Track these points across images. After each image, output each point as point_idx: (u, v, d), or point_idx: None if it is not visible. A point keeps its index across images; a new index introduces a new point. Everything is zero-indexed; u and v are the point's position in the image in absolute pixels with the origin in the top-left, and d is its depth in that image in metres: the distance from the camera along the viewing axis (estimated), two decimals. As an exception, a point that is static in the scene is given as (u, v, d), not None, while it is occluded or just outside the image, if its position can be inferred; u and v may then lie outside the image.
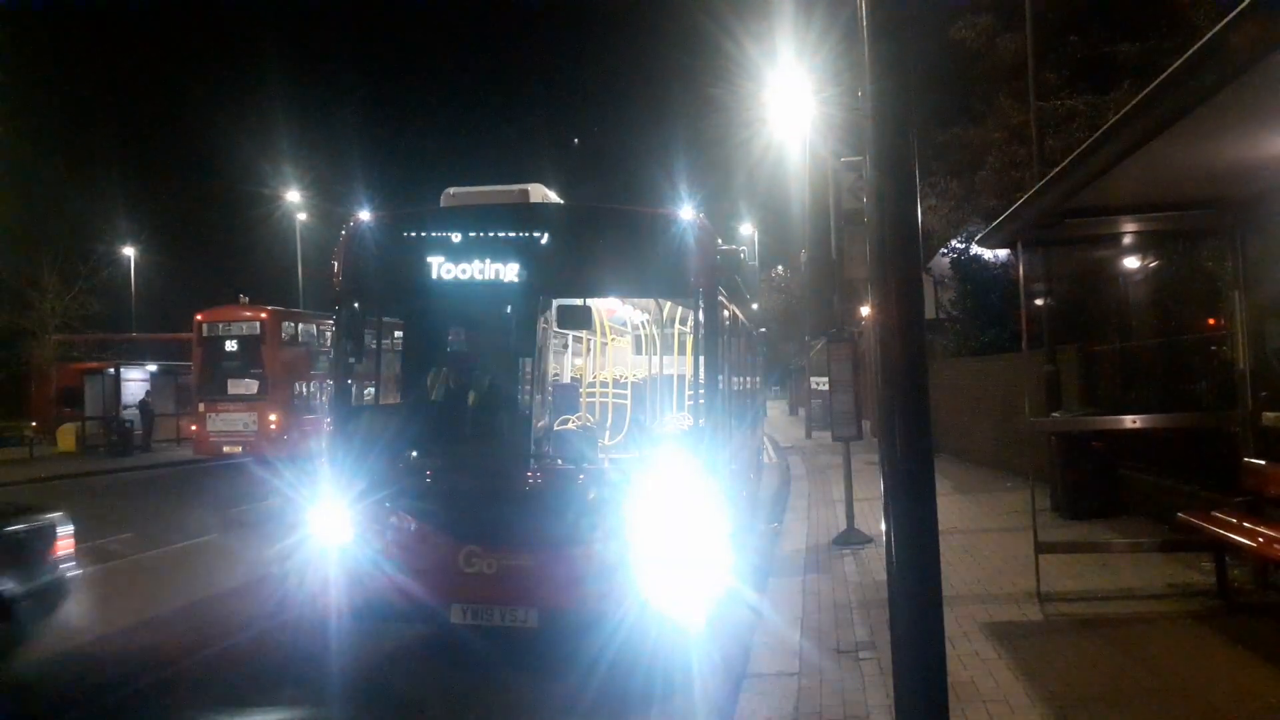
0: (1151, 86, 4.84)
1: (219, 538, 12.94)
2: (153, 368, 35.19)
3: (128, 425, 31.28)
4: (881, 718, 5.35)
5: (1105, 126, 5.67)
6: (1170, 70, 4.58)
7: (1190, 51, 4.35)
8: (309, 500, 7.10)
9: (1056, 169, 6.70)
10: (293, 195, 45.02)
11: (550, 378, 9.07)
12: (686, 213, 6.79)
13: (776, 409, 49.19)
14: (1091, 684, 5.76)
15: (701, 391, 6.87)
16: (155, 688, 7.01)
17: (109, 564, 11.29)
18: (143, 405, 32.12)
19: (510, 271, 6.74)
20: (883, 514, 3.39)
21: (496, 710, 6.34)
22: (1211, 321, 10.24)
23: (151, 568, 11.10)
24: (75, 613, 8.87)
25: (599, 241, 7.04)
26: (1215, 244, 9.00)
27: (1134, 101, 5.13)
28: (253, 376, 25.04)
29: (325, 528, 6.87)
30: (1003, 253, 16.87)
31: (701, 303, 6.80)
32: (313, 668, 6.97)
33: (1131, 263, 11.83)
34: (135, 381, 33.72)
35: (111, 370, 33.45)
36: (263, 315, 26.01)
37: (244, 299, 36.92)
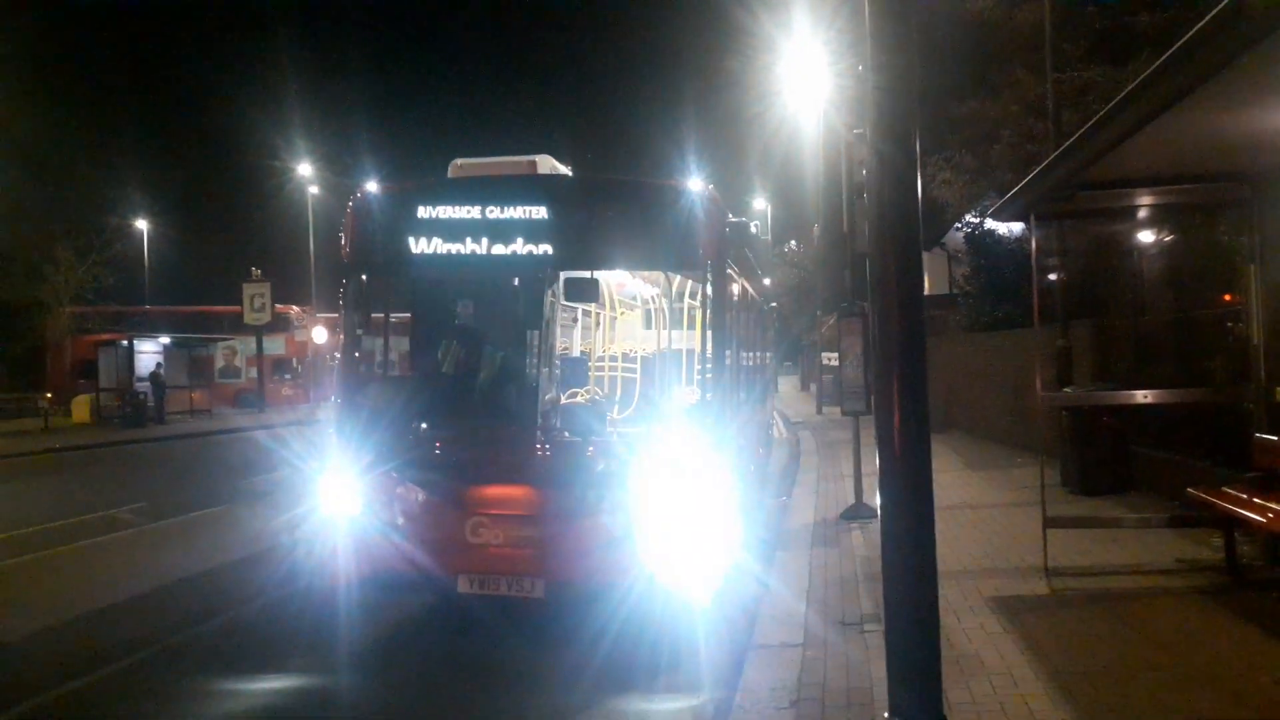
0: (1166, 55, 4.76)
1: (230, 508, 13.03)
2: (166, 340, 35.37)
3: (141, 397, 31.52)
4: (884, 689, 5.34)
5: (1120, 96, 5.58)
6: (1185, 38, 4.49)
7: (1206, 19, 4.26)
8: (318, 471, 7.13)
9: (1070, 140, 6.61)
10: (304, 168, 44.97)
11: (559, 351, 9.05)
12: (695, 184, 6.74)
13: (788, 384, 49.14)
14: (1097, 658, 5.75)
15: (710, 365, 6.84)
16: (164, 655, 7.08)
17: (121, 532, 11.40)
18: (154, 377, 32.33)
19: (518, 243, 6.70)
20: (878, 487, 3.38)
21: (504, 679, 6.38)
22: (1227, 297, 10.14)
23: (163, 537, 11.19)
24: (87, 581, 8.99)
25: (607, 213, 6.99)
26: (1232, 217, 8.90)
27: (1149, 71, 5.05)
28: None
29: (334, 499, 6.90)
30: (1017, 227, 16.75)
31: (710, 275, 6.76)
32: (321, 636, 7.04)
33: (1146, 237, 11.71)
34: (148, 354, 33.93)
35: (125, 342, 33.64)
36: None
37: (256, 273, 37.07)
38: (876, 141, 3.38)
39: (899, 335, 3.31)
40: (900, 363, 3.32)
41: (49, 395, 34.16)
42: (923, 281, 3.41)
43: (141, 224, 51.74)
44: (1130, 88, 5.38)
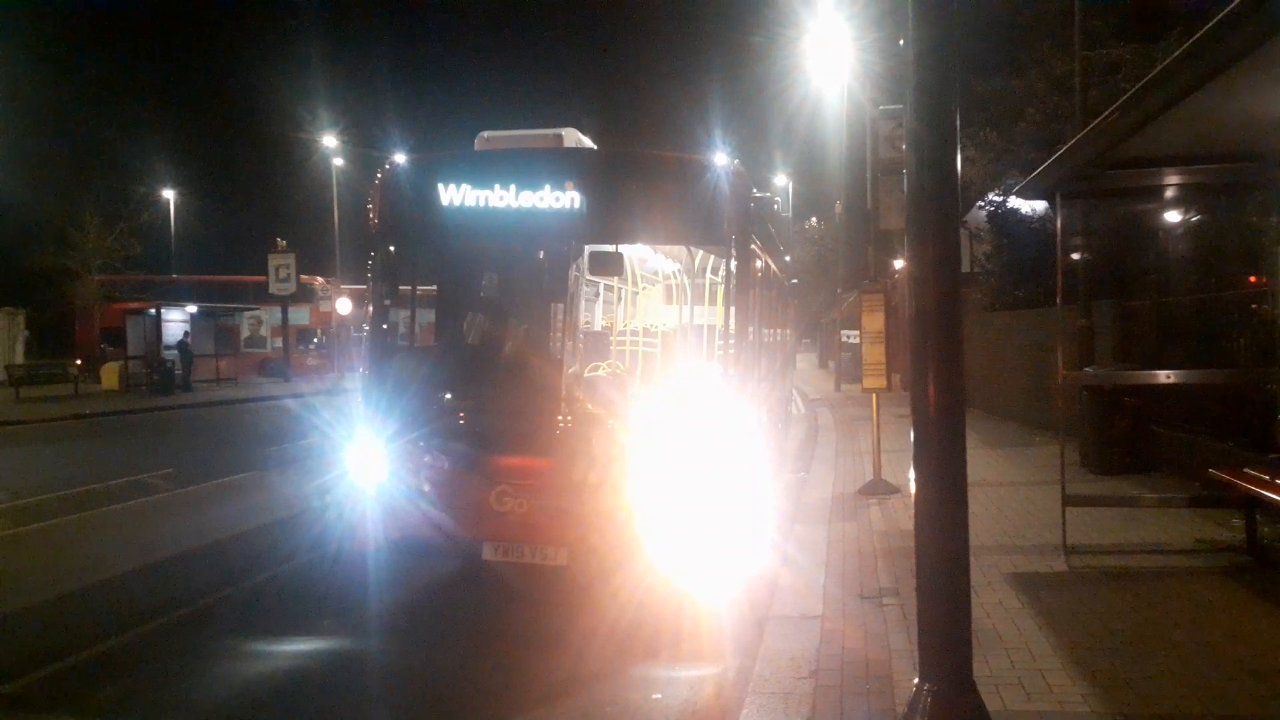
0: (1199, 33, 4.73)
1: (259, 473, 13.21)
2: (192, 309, 35.69)
3: (169, 365, 31.90)
4: (903, 661, 5.44)
5: (1150, 75, 5.56)
6: (1219, 17, 4.47)
7: (1240, -1, 4.24)
8: (347, 439, 7.26)
9: (1099, 118, 6.59)
10: (330, 140, 45.13)
11: (582, 325, 9.13)
12: (720, 158, 6.77)
13: (806, 361, 49.06)
14: (1115, 635, 5.80)
15: (731, 340, 6.91)
16: (196, 616, 7.26)
17: (152, 498, 11.59)
18: (181, 345, 32.70)
19: (543, 215, 6.77)
20: (912, 461, 3.42)
21: (528, 643, 6.51)
22: (1253, 279, 10.08)
23: (194, 501, 11.37)
24: (117, 545, 9.17)
25: (632, 186, 7.03)
26: (1260, 198, 8.83)
27: (1181, 49, 5.02)
28: None
29: (362, 466, 7.04)
30: (1040, 206, 16.62)
31: (734, 250, 6.81)
32: (350, 599, 7.20)
33: (1171, 217, 11.63)
34: (175, 322, 34.28)
35: (153, 310, 33.97)
36: None
37: (281, 243, 37.29)
38: (916, 116, 3.41)
39: (934, 306, 3.35)
40: (936, 334, 3.36)
41: (78, 362, 34.56)
42: (959, 255, 3.45)
43: (168, 193, 52.09)
44: (1160, 67, 5.35)
